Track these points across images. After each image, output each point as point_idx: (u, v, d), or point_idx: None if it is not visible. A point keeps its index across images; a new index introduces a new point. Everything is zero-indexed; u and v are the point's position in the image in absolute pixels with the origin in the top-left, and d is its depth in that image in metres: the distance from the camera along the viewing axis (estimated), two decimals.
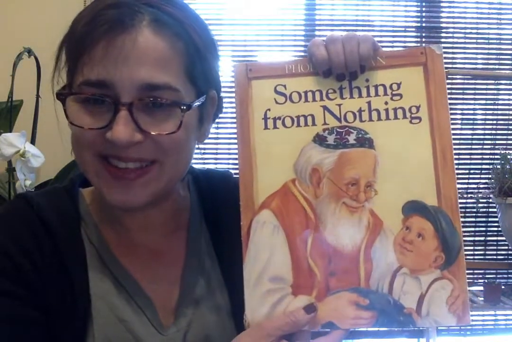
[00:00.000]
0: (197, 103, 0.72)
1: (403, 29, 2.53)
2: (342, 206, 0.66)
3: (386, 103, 0.68)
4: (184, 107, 0.69)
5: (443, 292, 0.65)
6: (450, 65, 2.52)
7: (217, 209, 0.84)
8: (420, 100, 0.67)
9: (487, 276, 2.55)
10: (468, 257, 2.55)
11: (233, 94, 0.71)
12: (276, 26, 2.51)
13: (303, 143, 0.68)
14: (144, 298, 0.76)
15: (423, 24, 2.54)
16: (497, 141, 2.52)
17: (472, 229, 2.55)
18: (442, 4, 2.54)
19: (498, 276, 2.55)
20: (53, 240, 0.73)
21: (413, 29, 2.54)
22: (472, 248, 2.56)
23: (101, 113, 0.68)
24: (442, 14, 2.55)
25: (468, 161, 2.53)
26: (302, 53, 2.52)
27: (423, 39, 2.53)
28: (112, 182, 0.70)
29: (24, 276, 0.71)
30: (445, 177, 0.66)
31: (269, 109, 0.70)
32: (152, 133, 0.68)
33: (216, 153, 2.50)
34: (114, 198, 0.71)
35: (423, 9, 2.54)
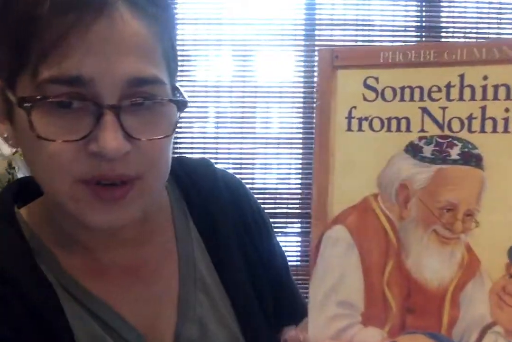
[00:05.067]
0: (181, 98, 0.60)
1: (403, 28, 2.53)
2: (431, 234, 0.54)
3: (507, 110, 0.51)
4: (182, 105, 0.58)
5: None
6: None
7: (204, 204, 0.71)
8: None
9: None
10: None
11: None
12: (276, 25, 2.51)
13: (392, 152, 0.56)
14: (133, 332, 0.63)
15: (423, 24, 2.54)
16: None
17: None
18: (442, 4, 2.54)
19: None
20: (14, 289, 0.58)
21: (413, 29, 2.54)
22: None
23: (76, 119, 0.53)
24: (442, 14, 2.55)
25: None
26: (302, 53, 2.52)
27: (423, 39, 2.53)
28: (94, 204, 0.56)
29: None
30: None
31: (354, 107, 0.57)
32: (143, 139, 0.55)
33: (216, 153, 2.50)
34: (96, 220, 0.57)
35: (423, 8, 2.54)
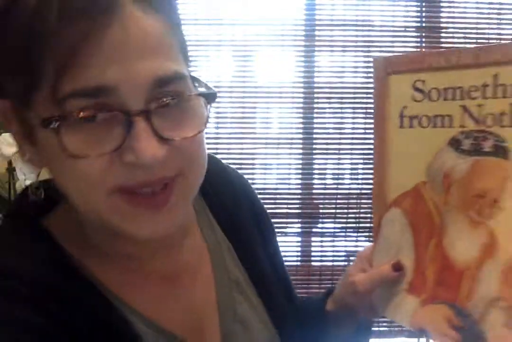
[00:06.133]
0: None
1: (403, 29, 2.53)
2: (465, 218, 0.61)
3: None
4: (211, 97, 0.55)
5: None
6: None
7: (222, 199, 0.71)
8: None
9: None
10: None
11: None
12: (276, 26, 2.51)
13: (438, 146, 0.64)
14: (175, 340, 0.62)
15: (423, 24, 2.54)
16: None
17: None
18: (442, 4, 2.54)
19: None
20: (76, 309, 0.55)
21: (413, 29, 2.54)
22: None
23: (105, 131, 0.50)
24: (442, 14, 2.55)
25: None
26: (302, 53, 2.52)
27: (423, 39, 2.53)
28: (137, 214, 0.53)
29: None
30: None
31: (405, 107, 0.66)
32: (176, 139, 0.52)
33: (216, 153, 2.49)
34: (143, 231, 0.54)
35: (423, 9, 2.53)
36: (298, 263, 2.56)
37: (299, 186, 2.58)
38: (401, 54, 0.68)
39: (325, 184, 2.59)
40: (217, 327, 0.66)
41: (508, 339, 0.57)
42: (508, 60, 0.57)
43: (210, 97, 0.55)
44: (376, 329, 2.37)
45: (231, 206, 0.73)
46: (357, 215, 2.46)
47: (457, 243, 0.62)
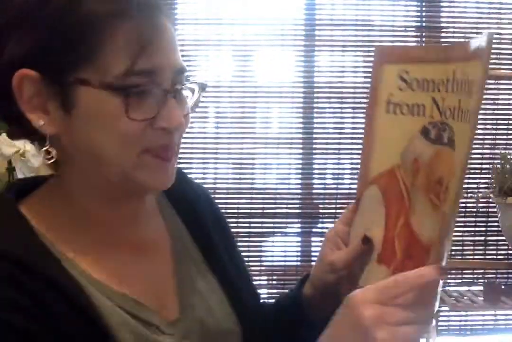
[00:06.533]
0: None
1: (403, 28, 2.53)
2: (428, 200, 0.67)
3: (459, 102, 0.62)
4: (203, 86, 0.71)
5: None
6: None
7: (181, 193, 0.80)
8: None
9: (487, 276, 2.55)
10: (468, 257, 2.55)
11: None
12: (276, 25, 2.51)
13: (412, 132, 0.69)
14: (148, 312, 0.69)
15: (423, 24, 2.54)
16: (497, 141, 2.52)
17: (472, 228, 2.55)
18: (442, 4, 2.54)
19: (498, 276, 2.55)
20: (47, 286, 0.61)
21: (413, 29, 2.54)
22: (472, 248, 2.55)
23: (145, 103, 0.64)
24: (442, 14, 2.55)
25: (468, 161, 2.53)
26: (302, 53, 2.52)
27: (423, 39, 2.53)
28: (158, 168, 0.67)
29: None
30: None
31: (391, 94, 0.72)
32: (185, 113, 0.68)
33: (216, 153, 2.50)
34: (159, 181, 0.68)
35: (423, 8, 2.54)
36: (298, 263, 2.56)
37: (299, 186, 2.58)
38: (397, 45, 0.73)
39: (325, 184, 2.59)
40: (176, 299, 0.73)
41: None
42: (463, 57, 0.61)
43: (203, 86, 0.71)
44: None
45: (190, 200, 0.81)
46: None
47: (423, 222, 0.68)
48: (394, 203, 0.73)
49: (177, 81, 0.67)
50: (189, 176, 0.87)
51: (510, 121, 2.53)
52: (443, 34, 2.54)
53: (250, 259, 2.48)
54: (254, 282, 0.88)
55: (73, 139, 0.66)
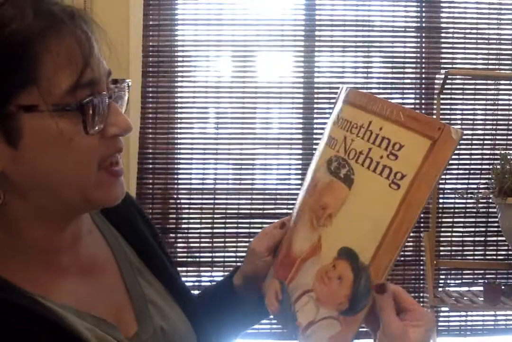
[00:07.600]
0: None
1: (403, 29, 2.53)
2: (309, 220, 0.77)
3: (381, 157, 0.69)
4: (130, 87, 0.71)
5: (330, 329, 0.71)
6: (450, 66, 2.52)
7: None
8: (409, 171, 0.66)
9: (487, 276, 2.55)
10: (468, 257, 2.55)
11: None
12: (276, 26, 2.51)
13: (324, 159, 0.78)
14: (110, 326, 0.68)
15: (423, 24, 2.54)
16: (497, 141, 2.52)
17: (472, 229, 2.55)
18: (442, 4, 2.54)
19: (498, 276, 2.55)
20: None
21: (413, 29, 2.54)
22: (472, 248, 2.55)
23: (94, 115, 0.62)
24: (442, 14, 2.55)
25: (468, 161, 2.53)
26: (302, 53, 2.52)
27: (423, 39, 2.53)
28: (112, 184, 0.66)
29: None
30: (388, 248, 0.66)
31: (332, 126, 0.81)
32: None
33: (216, 153, 2.50)
34: (114, 197, 0.67)
35: (423, 9, 2.54)
36: None
37: (299, 186, 2.57)
38: (363, 91, 0.77)
39: None
40: (132, 310, 0.73)
41: (308, 318, 0.73)
42: (380, 114, 0.70)
43: (129, 83, 0.71)
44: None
45: (120, 208, 0.76)
46: None
47: (299, 237, 0.79)
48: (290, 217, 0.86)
49: (110, 85, 0.66)
50: None
51: (510, 122, 2.53)
52: (443, 35, 2.54)
53: None
54: None
55: (22, 172, 0.61)
